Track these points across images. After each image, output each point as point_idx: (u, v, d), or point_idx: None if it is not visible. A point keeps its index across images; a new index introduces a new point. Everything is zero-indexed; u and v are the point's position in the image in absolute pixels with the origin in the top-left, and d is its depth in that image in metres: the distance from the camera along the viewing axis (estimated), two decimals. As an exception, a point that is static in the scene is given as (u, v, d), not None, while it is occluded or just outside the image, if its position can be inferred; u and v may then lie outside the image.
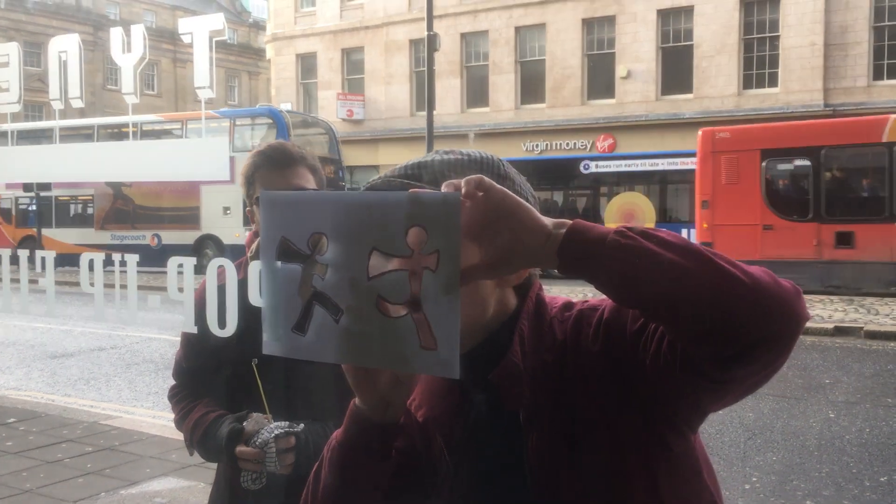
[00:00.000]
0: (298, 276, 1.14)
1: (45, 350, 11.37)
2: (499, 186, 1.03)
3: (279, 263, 1.15)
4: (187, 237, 22.74)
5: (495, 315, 1.23)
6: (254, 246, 2.08)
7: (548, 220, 1.04)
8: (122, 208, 24.47)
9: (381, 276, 1.09)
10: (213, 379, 2.08)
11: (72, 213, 25.63)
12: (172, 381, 2.19)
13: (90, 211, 25.22)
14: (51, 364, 10.33)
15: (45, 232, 24.46)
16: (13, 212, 25.80)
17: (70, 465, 5.75)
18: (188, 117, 25.37)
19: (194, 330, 1.75)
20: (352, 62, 32.37)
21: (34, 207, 25.58)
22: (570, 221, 1.04)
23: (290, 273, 1.14)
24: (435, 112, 20.77)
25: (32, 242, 24.25)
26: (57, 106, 1.63)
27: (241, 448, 1.83)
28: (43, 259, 1.82)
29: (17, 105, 1.72)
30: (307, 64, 33.31)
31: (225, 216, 22.33)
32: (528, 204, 1.05)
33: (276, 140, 2.13)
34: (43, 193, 24.64)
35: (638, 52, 26.73)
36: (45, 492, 5.18)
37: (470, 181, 1.03)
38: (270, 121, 22.12)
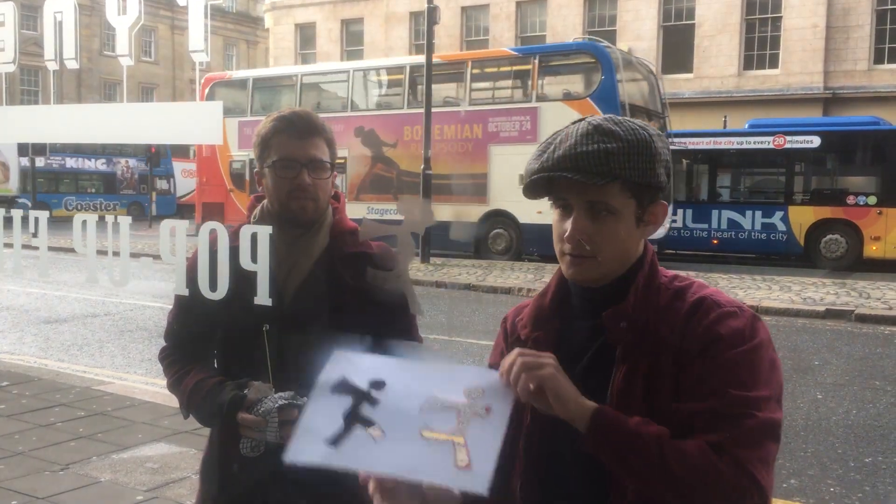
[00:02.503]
0: (349, 404, 1.27)
1: (38, 315, 11.38)
2: (550, 374, 1.33)
3: (332, 393, 1.29)
4: (469, 212, 18.40)
5: (628, 261, 1.49)
6: (256, 211, 2.08)
7: (574, 405, 1.33)
8: (384, 174, 20.00)
9: (429, 409, 1.24)
10: (205, 343, 2.08)
11: None
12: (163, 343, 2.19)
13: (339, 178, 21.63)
14: (44, 329, 10.34)
15: None
16: (246, 176, 21.13)
17: (62, 428, 5.78)
18: (474, 56, 20.65)
19: (185, 292, 1.75)
20: (351, 33, 32.15)
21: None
22: (594, 410, 1.33)
23: (341, 400, 1.28)
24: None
25: None
26: (52, 67, 1.62)
27: (243, 415, 1.83)
28: (36, 219, 1.82)
29: (12, 65, 1.71)
30: (306, 34, 33.07)
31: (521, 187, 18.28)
32: (570, 392, 1.34)
33: (299, 107, 2.10)
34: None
35: (639, 30, 26.60)
36: (37, 454, 5.21)
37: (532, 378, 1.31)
38: (593, 59, 17.51)
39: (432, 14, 17.73)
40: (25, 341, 9.56)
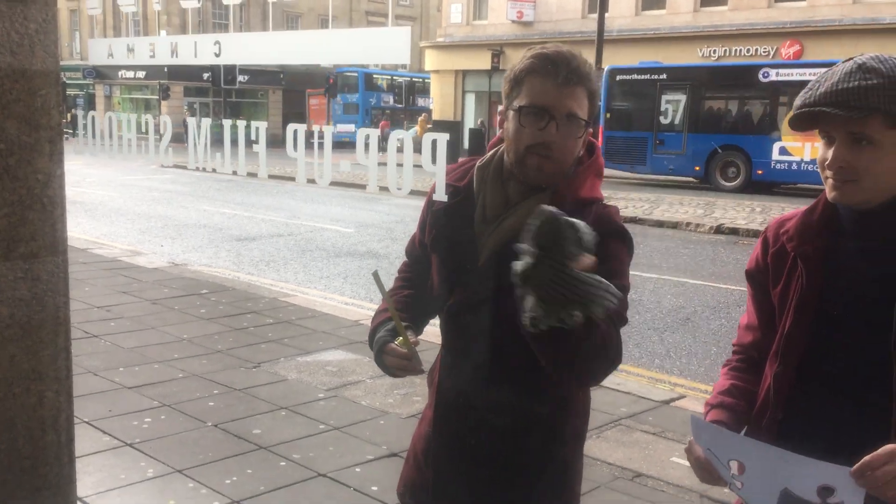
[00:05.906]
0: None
1: (230, 233, 12.43)
2: None
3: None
4: None
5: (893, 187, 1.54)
6: (489, 154, 1.89)
7: None
8: None
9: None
10: (426, 268, 2.01)
11: None
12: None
13: None
14: (236, 246, 11.31)
15: None
16: None
17: (254, 332, 6.43)
18: None
19: (443, 197, 1.82)
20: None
21: None
22: None
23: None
24: (607, 14, 20.13)
25: None
26: (269, -2, 1.86)
27: (390, 359, 1.87)
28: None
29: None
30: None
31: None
32: None
33: (563, 47, 1.74)
34: None
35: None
36: (233, 353, 5.85)
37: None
38: None
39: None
40: (220, 256, 10.52)
